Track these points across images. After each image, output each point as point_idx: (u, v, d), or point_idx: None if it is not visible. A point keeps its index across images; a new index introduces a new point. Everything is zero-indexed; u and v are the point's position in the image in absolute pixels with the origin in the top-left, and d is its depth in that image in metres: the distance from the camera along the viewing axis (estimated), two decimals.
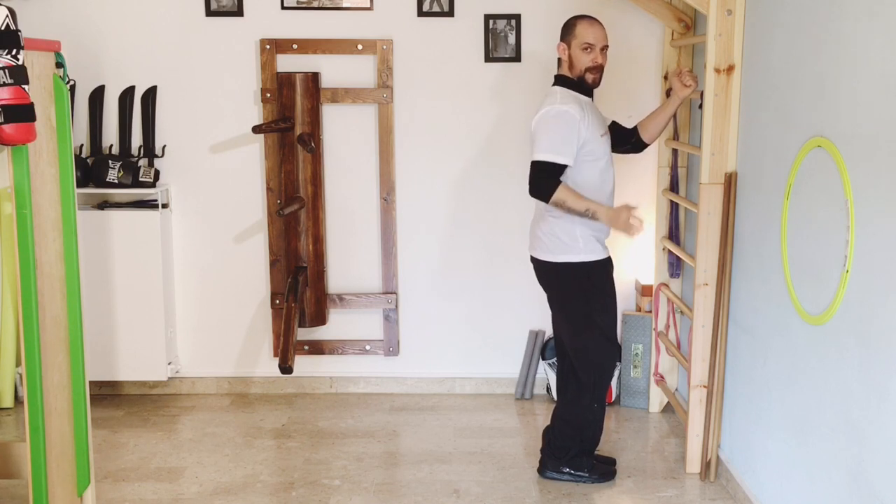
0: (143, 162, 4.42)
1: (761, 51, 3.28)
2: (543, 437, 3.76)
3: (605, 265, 3.54)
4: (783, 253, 3.02)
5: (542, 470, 3.70)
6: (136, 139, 4.46)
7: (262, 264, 4.58)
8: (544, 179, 3.36)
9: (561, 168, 3.35)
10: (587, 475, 3.65)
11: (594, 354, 3.57)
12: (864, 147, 2.47)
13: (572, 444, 3.64)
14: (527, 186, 3.45)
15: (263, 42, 4.36)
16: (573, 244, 3.45)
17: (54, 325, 2.77)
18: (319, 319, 4.51)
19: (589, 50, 3.45)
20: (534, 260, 3.61)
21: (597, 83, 3.51)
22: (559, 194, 3.34)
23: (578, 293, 3.53)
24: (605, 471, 3.70)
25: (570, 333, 3.60)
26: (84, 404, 2.97)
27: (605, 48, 3.50)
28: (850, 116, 2.56)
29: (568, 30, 3.51)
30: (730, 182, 3.52)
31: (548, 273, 3.57)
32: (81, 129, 4.40)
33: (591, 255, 3.48)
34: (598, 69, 3.48)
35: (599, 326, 3.54)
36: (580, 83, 3.49)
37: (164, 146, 4.46)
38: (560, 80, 3.52)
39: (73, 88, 3.41)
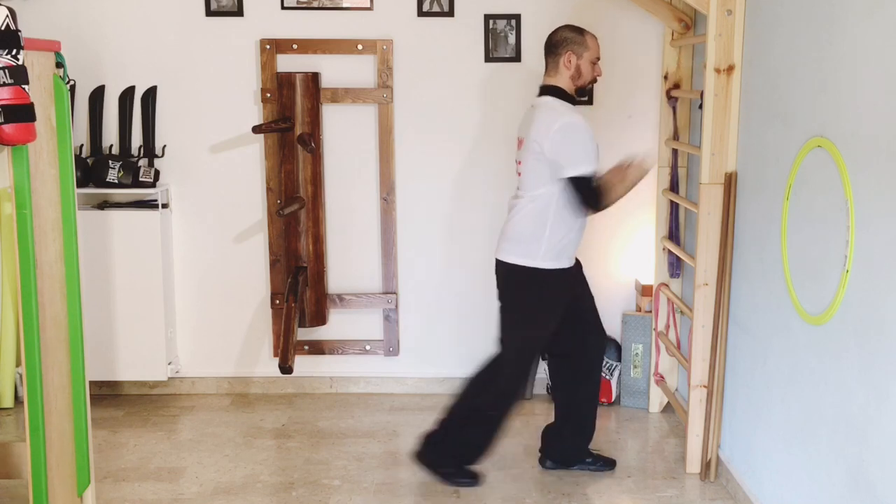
0: (143, 162, 4.42)
1: (761, 51, 3.28)
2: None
3: (562, 276, 3.49)
4: (783, 253, 3.02)
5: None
6: (136, 139, 4.46)
7: (262, 264, 4.58)
8: (591, 191, 3.35)
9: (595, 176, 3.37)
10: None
11: (509, 363, 3.57)
12: (865, 147, 2.47)
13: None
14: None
15: (263, 42, 4.36)
16: (535, 249, 3.43)
17: (54, 325, 2.77)
18: (319, 319, 4.51)
19: (596, 63, 3.50)
20: (496, 262, 3.60)
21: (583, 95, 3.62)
22: (609, 197, 3.36)
23: (522, 296, 3.52)
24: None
25: (504, 330, 3.60)
26: (84, 404, 2.97)
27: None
28: (850, 116, 2.56)
29: (576, 42, 3.46)
30: (730, 182, 3.52)
31: (503, 274, 3.56)
32: (81, 129, 4.39)
33: (556, 262, 3.45)
34: (593, 82, 3.56)
35: (527, 338, 3.55)
36: (571, 95, 3.49)
37: (164, 146, 4.46)
38: (554, 92, 3.47)
39: (73, 88, 3.40)
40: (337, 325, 4.62)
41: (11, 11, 2.37)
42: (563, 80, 3.47)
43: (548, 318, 3.53)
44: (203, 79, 4.44)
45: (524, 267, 3.46)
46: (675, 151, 4.22)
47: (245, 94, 4.45)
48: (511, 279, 3.53)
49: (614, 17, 4.33)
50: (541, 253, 3.43)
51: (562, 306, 3.55)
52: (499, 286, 3.61)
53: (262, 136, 4.41)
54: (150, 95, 4.40)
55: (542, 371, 4.57)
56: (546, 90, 3.49)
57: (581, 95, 3.56)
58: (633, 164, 3.40)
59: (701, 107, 3.63)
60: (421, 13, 4.38)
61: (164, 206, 4.44)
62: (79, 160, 4.31)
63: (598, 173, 3.37)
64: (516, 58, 4.40)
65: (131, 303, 4.38)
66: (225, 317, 4.63)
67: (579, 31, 3.51)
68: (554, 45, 3.50)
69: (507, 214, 3.59)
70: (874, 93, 2.42)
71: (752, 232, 3.37)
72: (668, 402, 4.38)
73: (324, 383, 4.70)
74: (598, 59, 3.53)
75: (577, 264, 3.62)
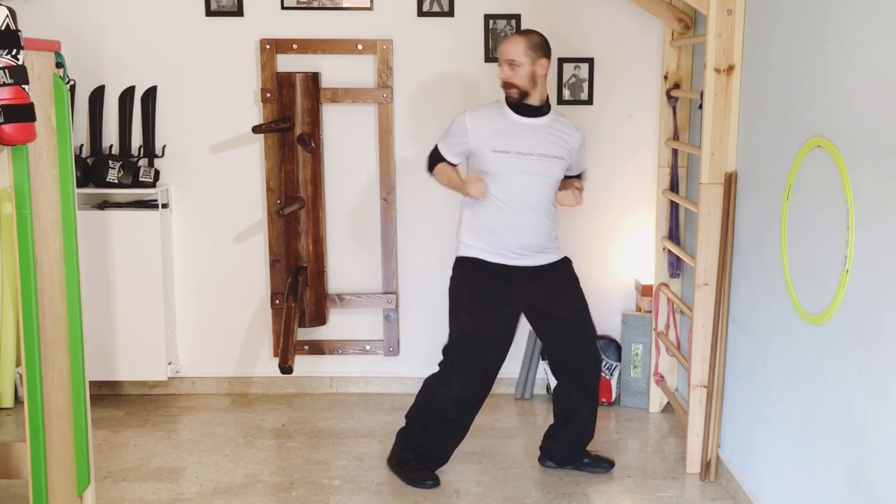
0: (143, 162, 4.42)
1: (761, 51, 3.28)
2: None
3: (481, 266, 3.52)
4: (783, 253, 3.02)
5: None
6: (136, 139, 4.46)
7: (262, 264, 4.58)
8: (429, 159, 3.70)
9: (442, 157, 3.61)
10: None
11: (447, 351, 3.61)
12: (864, 147, 2.47)
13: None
14: None
15: (263, 42, 4.36)
16: (463, 240, 3.58)
17: (54, 325, 2.77)
18: (319, 319, 4.50)
19: (500, 66, 3.47)
20: None
21: (513, 99, 3.44)
22: (434, 174, 3.69)
23: (453, 284, 3.60)
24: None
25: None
26: (84, 404, 2.97)
27: (512, 63, 3.39)
28: (850, 116, 2.56)
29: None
30: (730, 182, 3.52)
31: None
32: (81, 129, 4.39)
33: (472, 252, 3.54)
34: (506, 85, 3.45)
35: (461, 327, 3.55)
36: (509, 97, 3.49)
37: (164, 146, 4.46)
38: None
39: (73, 88, 3.40)
40: (337, 325, 4.62)
41: (11, 11, 2.37)
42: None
43: (473, 306, 3.52)
44: (203, 79, 4.44)
45: (457, 257, 3.61)
46: (675, 151, 4.22)
47: (245, 94, 4.45)
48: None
49: (614, 18, 4.33)
50: (466, 242, 3.57)
51: (485, 297, 3.53)
52: None
53: (261, 136, 4.41)
54: (150, 95, 4.40)
55: (542, 371, 4.57)
56: None
57: (515, 98, 3.47)
58: (470, 182, 3.51)
59: (701, 107, 3.63)
60: (421, 13, 4.38)
61: (164, 206, 4.43)
62: (79, 160, 4.31)
63: (444, 156, 3.62)
64: None
65: (131, 303, 4.38)
66: (225, 317, 4.63)
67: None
68: None
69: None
70: (874, 93, 2.42)
71: (752, 232, 3.37)
72: (668, 402, 4.38)
73: (324, 383, 4.70)
74: (500, 61, 3.46)
75: (542, 269, 3.56)
